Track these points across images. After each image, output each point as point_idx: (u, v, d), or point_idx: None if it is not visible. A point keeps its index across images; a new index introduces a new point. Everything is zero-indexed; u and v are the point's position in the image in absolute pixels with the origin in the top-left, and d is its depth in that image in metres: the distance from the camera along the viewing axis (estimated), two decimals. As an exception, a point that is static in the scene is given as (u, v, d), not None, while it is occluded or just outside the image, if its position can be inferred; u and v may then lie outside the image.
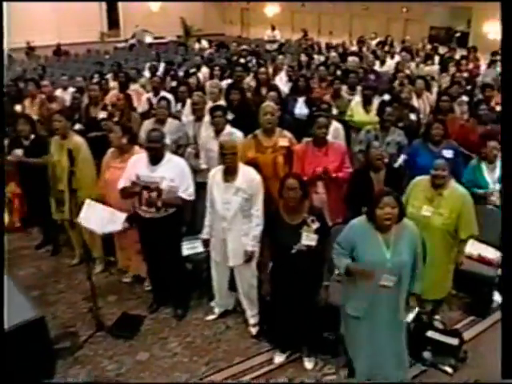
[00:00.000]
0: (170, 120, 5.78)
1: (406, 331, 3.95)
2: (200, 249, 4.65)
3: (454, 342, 4.18)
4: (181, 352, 4.37)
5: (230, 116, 5.52)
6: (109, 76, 9.14)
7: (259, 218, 4.21)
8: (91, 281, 4.58)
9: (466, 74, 9.57)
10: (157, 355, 4.34)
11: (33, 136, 5.51)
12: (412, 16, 19.63)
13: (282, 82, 8.36)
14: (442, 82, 9.20)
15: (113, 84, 8.38)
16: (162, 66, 10.35)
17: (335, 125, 5.65)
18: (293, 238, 3.72)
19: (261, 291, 4.30)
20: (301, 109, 6.89)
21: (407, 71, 9.46)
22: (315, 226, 3.70)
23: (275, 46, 17.08)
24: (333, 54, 11.66)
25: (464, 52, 13.56)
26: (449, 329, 4.46)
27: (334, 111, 6.38)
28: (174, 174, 4.35)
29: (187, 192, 4.43)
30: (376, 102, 6.60)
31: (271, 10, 23.88)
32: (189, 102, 6.26)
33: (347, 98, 7.15)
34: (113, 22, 25.10)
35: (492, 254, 4.80)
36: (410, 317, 4.01)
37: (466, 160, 5.47)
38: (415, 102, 7.11)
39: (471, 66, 10.99)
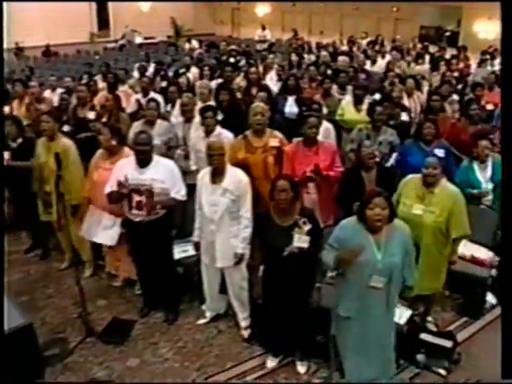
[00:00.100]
0: (159, 121, 5.72)
1: (400, 334, 3.94)
2: (191, 252, 4.61)
3: (448, 344, 4.15)
4: (172, 357, 4.31)
5: (219, 117, 5.46)
6: (98, 77, 9.05)
7: (248, 219, 4.16)
8: (80, 285, 4.51)
9: (456, 74, 9.59)
10: (148, 361, 4.28)
11: (20, 139, 5.43)
12: (402, 15, 19.67)
13: (273, 82, 8.32)
14: (432, 81, 9.21)
15: (102, 85, 8.29)
16: (151, 67, 10.27)
17: (326, 125, 5.61)
18: (284, 240, 3.67)
19: (252, 294, 4.25)
20: (291, 108, 6.86)
21: (398, 70, 9.46)
22: (307, 227, 3.65)
23: (265, 45, 17.04)
24: (323, 53, 11.62)
25: (454, 51, 13.61)
26: (442, 331, 4.44)
27: (325, 110, 6.34)
28: (164, 176, 4.29)
29: (180, 193, 4.39)
30: (367, 101, 6.59)
31: (262, 9, 23.86)
32: (178, 102, 6.19)
33: (337, 97, 7.13)
34: (103, 22, 24.89)
35: (485, 254, 4.79)
36: (404, 319, 3.99)
37: (457, 160, 5.46)
38: (406, 102, 7.08)
39: (461, 65, 11.01)
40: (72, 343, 4.45)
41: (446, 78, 8.56)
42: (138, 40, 20.93)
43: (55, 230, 5.44)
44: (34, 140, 5.37)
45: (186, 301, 4.97)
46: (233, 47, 14.53)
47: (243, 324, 4.50)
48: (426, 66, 10.43)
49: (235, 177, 4.18)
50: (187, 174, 5.14)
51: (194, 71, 9.39)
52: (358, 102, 6.61)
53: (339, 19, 21.84)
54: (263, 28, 19.09)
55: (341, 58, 9.82)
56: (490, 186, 4.99)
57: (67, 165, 4.89)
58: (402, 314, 3.98)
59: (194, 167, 5.32)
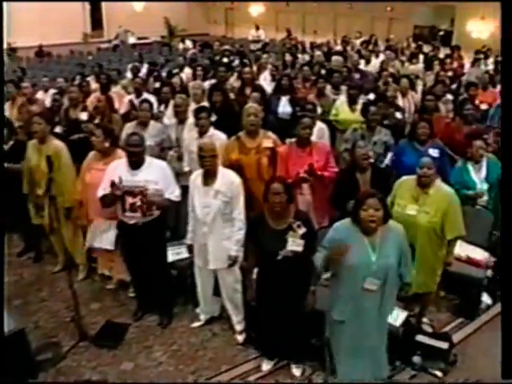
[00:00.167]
0: (152, 123, 5.67)
1: (396, 335, 3.92)
2: (185, 254, 4.57)
3: (444, 345, 4.14)
4: (166, 361, 4.28)
5: (213, 118, 5.42)
6: (90, 78, 8.98)
7: (241, 221, 4.14)
8: (73, 289, 4.46)
9: (450, 73, 9.59)
10: (142, 365, 4.24)
11: (11, 141, 5.37)
12: (396, 15, 19.67)
13: (266, 82, 8.28)
14: (426, 80, 9.21)
15: (95, 86, 8.23)
16: (144, 67, 10.21)
17: (320, 125, 5.59)
18: (278, 243, 3.63)
19: (246, 297, 4.22)
20: (284, 108, 6.82)
21: (392, 70, 9.45)
22: (301, 231, 3.62)
23: (259, 45, 17.00)
24: (317, 53, 11.60)
25: (448, 51, 13.62)
26: (438, 332, 4.43)
27: (319, 111, 6.31)
28: (157, 177, 4.26)
29: (174, 194, 4.36)
30: (361, 101, 6.57)
31: (256, 9, 23.81)
32: (172, 103, 6.15)
33: (332, 97, 7.10)
34: (96, 22, 24.74)
35: (480, 255, 4.77)
36: (399, 321, 3.97)
37: (451, 160, 5.45)
38: (400, 101, 7.08)
39: (455, 64, 11.01)
40: (65, 347, 4.40)
41: (440, 77, 8.55)
42: (132, 40, 20.84)
43: (47, 233, 5.39)
44: (25, 142, 5.32)
45: (180, 303, 4.93)
46: (226, 47, 14.47)
47: (238, 328, 4.47)
48: (420, 66, 10.43)
49: (227, 178, 4.15)
50: (180, 176, 5.11)
51: (187, 71, 9.34)
52: (352, 101, 6.59)
53: (333, 19, 21.82)
54: (257, 28, 19.05)
55: (335, 58, 9.78)
56: (485, 186, 4.97)
57: (59, 167, 4.86)
58: (397, 316, 3.95)
59: (187, 168, 5.28)
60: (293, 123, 5.03)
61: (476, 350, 4.39)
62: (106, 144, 4.65)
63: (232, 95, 7.10)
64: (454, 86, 8.59)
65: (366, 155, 4.49)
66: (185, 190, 4.47)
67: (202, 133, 5.11)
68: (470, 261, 4.73)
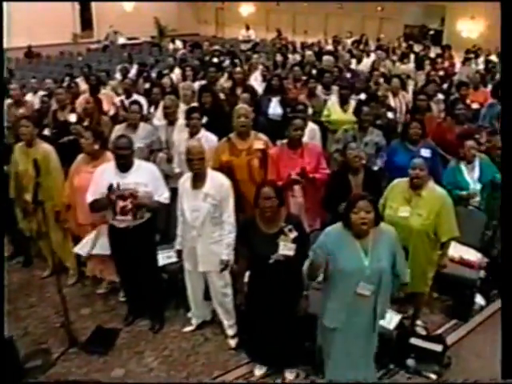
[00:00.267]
0: (142, 124, 5.60)
1: (389, 339, 3.91)
2: (175, 258, 4.51)
3: (438, 348, 4.11)
4: (157, 367, 4.22)
5: (204, 119, 5.36)
6: (79, 79, 8.88)
7: (231, 224, 4.09)
8: (62, 294, 4.38)
9: (441, 73, 9.58)
10: (133, 371, 4.18)
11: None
12: (386, 14, 19.69)
13: (257, 82, 8.23)
14: (417, 80, 9.20)
15: (84, 87, 8.14)
16: (134, 68, 10.12)
17: (311, 126, 5.54)
18: (270, 247, 3.58)
19: (236, 301, 4.18)
20: (274, 109, 6.76)
21: (383, 69, 9.44)
22: (293, 235, 3.57)
23: (249, 45, 16.95)
24: (308, 53, 11.55)
25: (438, 50, 13.64)
26: (432, 335, 4.40)
27: (310, 111, 6.26)
28: (146, 180, 4.20)
29: (163, 196, 4.31)
30: (353, 101, 6.54)
31: (246, 9, 23.78)
32: (162, 104, 6.08)
33: (323, 97, 7.05)
34: (86, 22, 24.55)
35: (473, 256, 4.75)
36: (393, 324, 3.94)
37: (443, 160, 5.43)
38: (391, 101, 7.05)
39: (446, 64, 11.02)
40: (55, 354, 4.33)
41: (431, 77, 8.54)
42: (121, 41, 20.70)
43: (34, 238, 5.32)
44: (11, 146, 5.23)
45: (172, 308, 4.87)
46: (216, 47, 14.40)
47: (230, 332, 4.42)
48: (411, 65, 10.43)
49: (216, 181, 4.09)
50: (170, 178, 5.05)
51: (177, 72, 9.26)
52: (343, 102, 6.55)
53: (323, 18, 21.82)
54: (247, 28, 18.98)
55: (325, 58, 9.73)
56: (478, 186, 4.95)
57: (49, 171, 4.82)
58: (391, 319, 3.92)
59: (177, 170, 5.21)
60: (284, 124, 4.99)
61: (469, 351, 4.38)
62: (96, 146, 4.59)
63: (222, 96, 7.05)
64: (445, 86, 8.56)
65: (358, 157, 4.45)
66: (174, 192, 4.41)
67: (192, 134, 5.06)
68: (463, 262, 4.70)
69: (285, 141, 4.81)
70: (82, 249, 4.73)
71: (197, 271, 4.26)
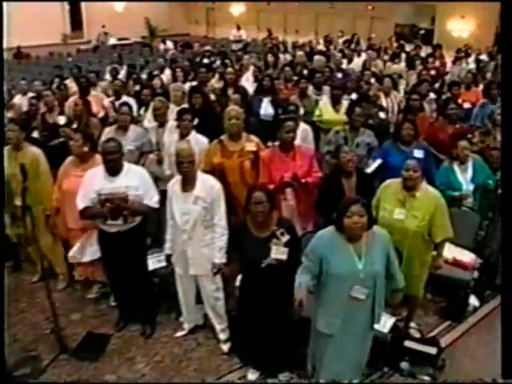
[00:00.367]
0: (132, 127, 5.51)
1: (383, 342, 3.89)
2: (166, 262, 4.44)
3: (432, 350, 4.08)
4: (149, 373, 4.15)
5: (195, 121, 5.30)
6: (68, 81, 8.79)
7: (223, 227, 4.03)
8: (51, 300, 4.31)
9: (433, 72, 9.58)
10: (124, 377, 4.11)
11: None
12: (377, 14, 19.76)
13: (249, 83, 8.18)
14: (409, 80, 9.20)
15: (74, 88, 8.04)
16: (124, 69, 10.02)
17: (303, 126, 5.50)
18: (262, 251, 3.54)
19: (228, 307, 4.14)
20: (266, 109, 6.72)
21: (374, 69, 9.42)
22: (285, 238, 3.53)
23: (241, 45, 16.91)
24: (299, 53, 11.50)
25: (429, 49, 13.67)
26: (426, 337, 4.38)
27: (301, 111, 6.21)
28: (137, 183, 4.14)
29: (153, 200, 4.24)
30: (345, 101, 6.52)
31: (237, 9, 23.78)
32: (152, 106, 6.01)
33: (314, 97, 7.01)
34: (76, 23, 24.45)
35: (467, 257, 4.73)
36: (387, 327, 3.90)
37: (436, 160, 5.40)
38: (383, 101, 7.03)
39: (437, 63, 11.02)
40: (45, 361, 4.25)
41: (422, 76, 8.54)
42: (112, 41, 20.60)
43: (22, 243, 5.24)
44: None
45: (163, 312, 4.81)
46: (207, 48, 14.34)
47: (222, 337, 4.37)
48: (403, 65, 10.43)
49: (207, 183, 4.03)
50: (160, 180, 4.97)
51: (167, 73, 9.20)
52: (335, 102, 6.51)
53: (314, 18, 21.86)
54: (238, 28, 18.96)
55: (317, 58, 9.70)
56: (471, 187, 4.94)
57: (38, 175, 4.76)
58: (385, 322, 3.86)
59: (168, 172, 5.13)
60: (275, 125, 4.95)
61: (463, 353, 4.36)
62: (85, 148, 4.51)
63: (213, 96, 6.99)
64: (436, 85, 8.56)
65: (351, 161, 4.39)
66: (164, 194, 4.34)
67: (183, 135, 5.00)
68: (456, 263, 4.69)
69: (276, 143, 4.76)
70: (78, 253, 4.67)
71: (188, 275, 4.20)
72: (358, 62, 10.76)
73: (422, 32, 19.02)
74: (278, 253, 3.52)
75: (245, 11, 23.73)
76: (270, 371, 4.08)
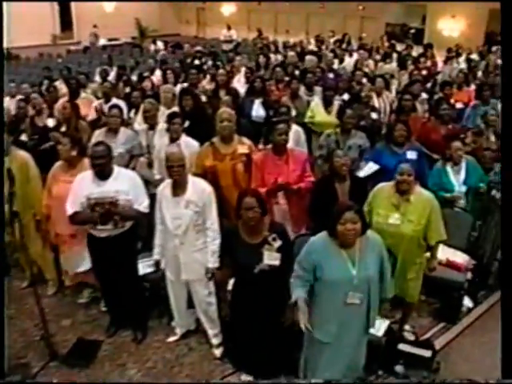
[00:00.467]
0: (122, 129, 5.45)
1: (378, 345, 3.86)
2: (161, 263, 4.38)
3: (427, 353, 4.05)
4: (141, 379, 4.09)
5: (185, 124, 5.25)
6: (58, 82, 8.68)
7: (215, 231, 3.98)
8: (40, 306, 4.23)
9: (424, 72, 9.56)
10: (115, 384, 4.06)
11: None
12: (368, 13, 19.76)
13: (240, 84, 8.13)
14: (400, 79, 9.18)
15: (64, 90, 7.93)
16: (114, 71, 9.91)
17: (295, 128, 5.46)
18: (254, 257, 3.50)
19: (220, 312, 4.09)
20: (257, 111, 6.67)
21: (366, 69, 9.40)
22: (277, 244, 3.49)
23: (231, 45, 16.85)
24: (291, 53, 11.46)
25: (420, 49, 13.68)
26: (420, 340, 4.34)
27: (293, 113, 6.15)
28: (127, 187, 4.08)
29: (143, 205, 4.17)
30: (337, 102, 6.48)
31: (227, 9, 23.70)
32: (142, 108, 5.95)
33: (305, 98, 6.97)
34: (65, 23, 24.22)
35: (460, 258, 4.72)
36: (382, 331, 3.88)
37: (429, 159, 5.38)
38: (375, 102, 7.00)
39: (429, 63, 11.02)
40: (34, 368, 4.18)
41: (414, 76, 8.52)
42: (102, 42, 20.45)
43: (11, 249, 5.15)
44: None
45: (155, 317, 4.75)
46: (198, 48, 14.25)
47: (214, 341, 4.32)
48: (394, 65, 10.41)
49: (198, 187, 3.98)
50: (150, 184, 4.91)
51: (158, 74, 9.13)
52: (327, 103, 6.48)
53: (305, 18, 21.84)
54: (229, 28, 18.86)
55: (308, 58, 9.68)
56: (463, 189, 4.92)
57: (28, 179, 4.68)
58: (379, 326, 3.85)
59: (157, 176, 5.06)
60: (268, 127, 4.90)
61: (458, 355, 4.34)
62: (73, 153, 4.45)
63: (204, 98, 6.93)
64: (428, 85, 8.54)
65: (345, 165, 4.33)
66: (155, 198, 4.30)
67: (173, 139, 4.94)
68: (450, 264, 4.67)
69: (269, 146, 4.72)
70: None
71: (180, 281, 4.15)
72: (349, 62, 10.75)
73: (412, 31, 19.03)
74: (271, 258, 3.49)
75: (235, 11, 23.66)
76: (262, 376, 4.03)
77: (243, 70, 8.71)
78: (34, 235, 4.88)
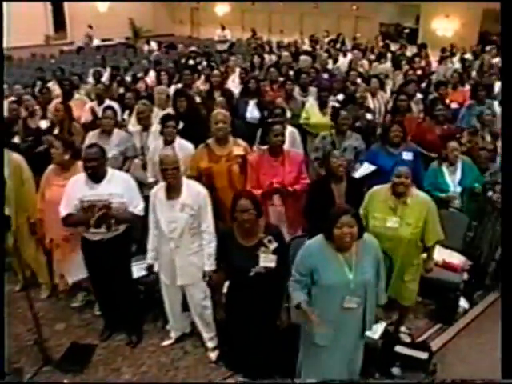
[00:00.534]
0: (116, 131, 5.42)
1: (374, 348, 3.84)
2: (154, 267, 4.34)
3: (423, 355, 4.03)
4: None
5: (179, 125, 5.21)
6: (51, 84, 8.62)
7: (211, 234, 3.94)
8: (33, 311, 4.18)
9: (419, 72, 9.56)
10: (110, 389, 4.03)
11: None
12: (362, 13, 19.77)
13: (235, 84, 8.11)
14: (395, 80, 9.17)
15: (58, 91, 7.87)
16: (107, 72, 9.84)
17: (290, 129, 5.42)
18: (250, 260, 3.48)
19: (215, 315, 4.06)
20: (252, 112, 6.64)
21: (360, 69, 9.39)
22: (273, 246, 3.47)
23: (226, 46, 16.80)
24: (285, 53, 11.43)
25: (414, 49, 13.69)
26: (417, 342, 4.33)
27: (288, 114, 6.12)
28: (121, 190, 4.03)
29: (138, 208, 4.12)
30: (330, 103, 6.46)
31: (221, 9, 23.66)
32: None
33: (300, 99, 6.94)
34: (59, 23, 24.09)
35: (456, 259, 4.71)
36: (378, 333, 3.85)
37: (425, 160, 5.36)
38: (370, 102, 6.98)
39: (423, 63, 11.02)
40: (28, 374, 4.13)
41: (409, 76, 8.51)
42: (96, 42, 20.36)
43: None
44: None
45: (149, 320, 4.70)
46: (193, 48, 14.20)
47: (210, 345, 4.28)
48: (389, 65, 10.39)
49: (193, 190, 3.93)
50: (144, 186, 4.87)
51: (152, 75, 9.08)
52: (322, 104, 6.45)
53: (299, 18, 21.83)
54: (223, 28, 18.80)
55: (303, 58, 9.67)
56: (458, 189, 4.91)
57: (22, 182, 4.63)
58: (376, 329, 3.82)
59: (151, 179, 5.03)
60: (264, 129, 4.87)
61: (454, 356, 4.32)
62: (66, 156, 4.40)
63: (198, 99, 6.89)
64: (423, 85, 8.53)
65: (342, 166, 4.28)
66: (149, 200, 4.26)
67: (168, 142, 4.90)
68: (446, 265, 4.65)
69: (265, 147, 4.69)
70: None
71: (175, 285, 4.10)
72: (343, 62, 10.73)
73: (406, 31, 19.05)
74: (267, 261, 3.46)
75: (229, 11, 23.62)
76: (258, 379, 4.00)
77: (238, 70, 8.68)
78: (28, 238, 4.84)
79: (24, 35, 20.25)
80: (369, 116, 6.55)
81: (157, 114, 5.70)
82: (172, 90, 7.04)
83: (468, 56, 12.59)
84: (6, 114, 6.77)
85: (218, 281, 3.90)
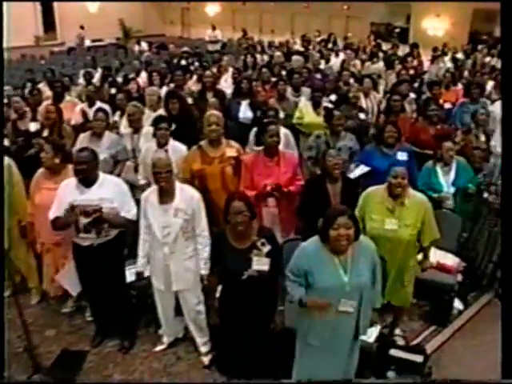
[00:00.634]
0: (107, 133, 5.34)
1: (369, 351, 3.80)
2: (143, 274, 4.27)
3: (418, 358, 3.99)
4: (128, 390, 4.01)
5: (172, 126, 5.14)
6: (41, 85, 8.52)
7: (206, 237, 3.88)
8: (22, 318, 4.08)
9: (412, 71, 9.55)
10: (101, 396, 3.97)
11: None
12: (353, 13, 19.82)
13: (227, 84, 8.04)
14: (388, 79, 9.15)
15: (48, 93, 7.77)
16: (98, 73, 9.75)
17: (283, 130, 5.34)
18: (243, 263, 3.43)
19: (209, 319, 4.02)
20: (244, 113, 6.58)
21: (353, 69, 9.36)
22: (266, 249, 3.42)
23: (217, 46, 16.74)
24: (277, 53, 11.39)
25: (406, 48, 13.69)
26: (411, 345, 4.30)
27: (282, 115, 6.08)
28: (112, 195, 3.95)
29: (131, 213, 4.04)
30: (324, 103, 6.42)
31: (212, 9, 23.64)
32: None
33: (293, 99, 6.90)
34: (48, 24, 23.93)
35: (451, 260, 4.68)
36: (373, 336, 3.82)
37: (420, 159, 5.33)
38: (363, 102, 6.95)
39: (415, 62, 11.03)
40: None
41: (402, 76, 8.49)
42: (86, 43, 20.24)
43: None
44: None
45: (142, 326, 4.63)
46: (185, 49, 14.12)
47: (203, 349, 4.23)
48: (381, 65, 10.37)
49: (186, 194, 3.86)
50: (137, 189, 4.81)
51: (144, 76, 9.01)
52: (316, 104, 6.41)
53: (290, 18, 21.85)
54: (213, 28, 18.75)
55: (295, 58, 9.63)
56: (452, 190, 4.88)
57: (11, 185, 4.54)
58: (371, 332, 3.79)
59: (142, 182, 4.96)
60: (258, 129, 4.83)
61: (449, 358, 4.30)
62: (56, 160, 4.31)
63: (190, 100, 6.83)
64: (415, 85, 8.52)
65: (338, 165, 4.24)
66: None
67: (161, 144, 4.84)
68: (441, 267, 4.62)
69: (260, 148, 4.65)
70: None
71: (170, 291, 4.03)
72: (335, 62, 10.70)
73: (397, 31, 19.11)
74: (260, 264, 3.42)
75: (220, 11, 23.60)
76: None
77: (230, 70, 8.62)
78: (18, 242, 4.75)
79: (13, 36, 20.03)
80: (362, 116, 6.52)
81: (148, 115, 5.63)
82: (164, 90, 6.96)
83: (459, 55, 12.61)
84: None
85: (211, 285, 3.85)
